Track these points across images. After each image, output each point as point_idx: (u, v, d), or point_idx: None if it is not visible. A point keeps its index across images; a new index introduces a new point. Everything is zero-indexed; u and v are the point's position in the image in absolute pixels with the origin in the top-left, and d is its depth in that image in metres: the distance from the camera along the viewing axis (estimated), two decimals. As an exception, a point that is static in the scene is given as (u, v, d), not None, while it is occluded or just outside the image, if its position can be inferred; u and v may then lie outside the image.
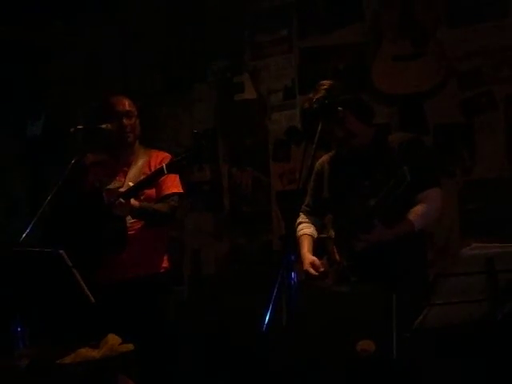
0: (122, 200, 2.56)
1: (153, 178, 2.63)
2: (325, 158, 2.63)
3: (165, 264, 2.88)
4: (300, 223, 2.64)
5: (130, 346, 2.15)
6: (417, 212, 2.33)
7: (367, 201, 2.35)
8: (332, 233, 2.52)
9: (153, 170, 2.76)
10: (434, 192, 2.38)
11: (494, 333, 2.05)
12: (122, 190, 2.65)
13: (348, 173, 2.48)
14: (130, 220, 2.73)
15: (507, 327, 2.01)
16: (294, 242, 2.54)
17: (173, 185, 2.80)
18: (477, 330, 2.05)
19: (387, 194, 2.14)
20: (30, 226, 2.51)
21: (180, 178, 2.85)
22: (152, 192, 2.76)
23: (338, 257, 2.40)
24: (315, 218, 2.67)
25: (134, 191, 2.62)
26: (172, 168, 2.54)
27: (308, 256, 2.48)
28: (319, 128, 2.28)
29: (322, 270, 2.39)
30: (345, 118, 2.39)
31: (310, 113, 2.40)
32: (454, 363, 2.17)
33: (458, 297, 1.88)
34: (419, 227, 2.34)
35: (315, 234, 2.61)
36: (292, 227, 2.61)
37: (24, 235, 2.48)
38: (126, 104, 2.83)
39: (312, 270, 2.41)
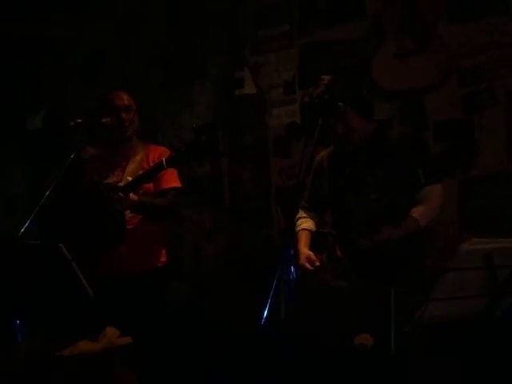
0: (120, 194, 2.56)
1: (152, 173, 2.63)
2: (324, 153, 2.63)
3: (163, 258, 2.88)
4: (299, 218, 2.64)
5: (128, 339, 2.15)
6: (420, 210, 2.34)
7: (368, 197, 2.35)
8: (332, 229, 2.52)
9: (151, 164, 2.76)
10: (435, 188, 2.38)
11: (493, 328, 2.05)
12: (120, 184, 2.65)
13: (348, 168, 2.48)
14: (128, 214, 2.73)
15: (506, 323, 2.01)
16: (293, 237, 2.55)
17: (171, 179, 2.80)
18: (475, 325, 2.05)
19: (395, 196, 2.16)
20: (29, 219, 2.51)
21: (179, 172, 2.85)
22: (150, 186, 2.76)
23: (339, 253, 2.40)
24: (314, 213, 2.67)
25: (133, 186, 2.61)
26: (171, 162, 2.54)
27: (304, 251, 2.48)
28: (319, 123, 2.28)
29: (317, 264, 2.40)
30: (345, 114, 2.39)
31: (310, 108, 2.40)
32: (452, 359, 2.17)
33: (456, 292, 1.87)
34: (423, 225, 2.34)
35: (313, 228, 2.61)
36: (291, 222, 2.61)
37: (23, 229, 2.48)
38: (125, 98, 2.83)
39: (307, 265, 2.41)
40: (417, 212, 2.34)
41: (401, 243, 2.31)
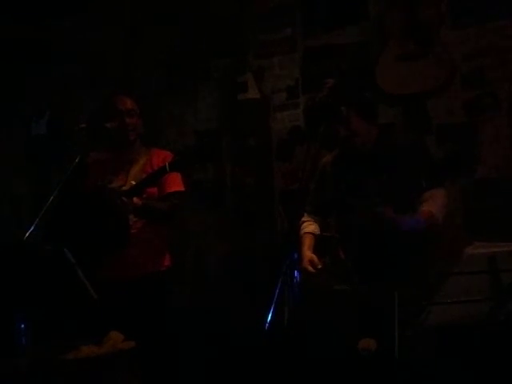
0: (124, 199, 2.57)
1: (155, 177, 2.64)
2: (328, 157, 2.63)
3: (167, 262, 2.88)
4: (303, 222, 2.65)
5: (132, 344, 2.15)
6: (430, 204, 2.31)
7: (371, 201, 2.35)
8: (336, 232, 2.52)
9: (154, 168, 2.76)
10: (438, 192, 2.38)
11: (497, 332, 2.04)
12: (124, 188, 2.66)
13: (352, 173, 2.48)
14: (132, 219, 2.74)
15: (510, 327, 2.00)
16: (296, 241, 2.55)
17: (175, 183, 2.81)
18: (479, 329, 2.04)
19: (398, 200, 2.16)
20: (34, 224, 2.51)
21: (182, 176, 2.85)
22: (154, 190, 2.77)
23: (342, 255, 2.40)
24: (318, 217, 2.67)
25: (137, 190, 2.62)
26: (174, 166, 2.54)
27: (307, 254, 2.49)
28: (322, 128, 2.29)
29: (319, 267, 2.40)
30: (348, 118, 2.40)
31: (314, 111, 2.40)
32: (456, 362, 2.16)
33: (460, 296, 1.87)
34: (438, 219, 2.31)
35: (317, 231, 2.62)
36: (295, 226, 2.61)
37: (27, 233, 2.49)
38: (128, 103, 2.84)
39: (310, 268, 2.42)
40: (427, 206, 2.31)
41: (403, 245, 2.31)
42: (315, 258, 2.44)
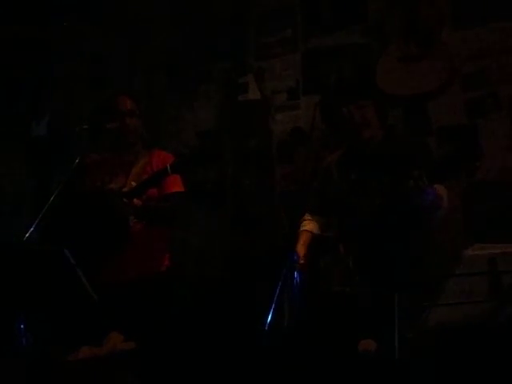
0: (125, 200, 2.57)
1: (157, 178, 2.64)
2: (331, 157, 2.64)
3: (166, 263, 2.89)
4: (303, 220, 2.66)
5: (132, 344, 2.15)
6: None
7: (374, 201, 2.36)
8: (337, 232, 2.53)
9: (155, 169, 2.76)
10: (440, 187, 2.37)
11: (497, 334, 2.04)
12: (124, 189, 2.66)
13: (355, 173, 2.49)
14: (132, 220, 2.73)
15: (510, 328, 2.00)
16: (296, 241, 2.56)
17: (175, 184, 2.81)
18: (479, 331, 2.04)
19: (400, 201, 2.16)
20: (34, 225, 2.51)
21: (182, 177, 2.85)
22: (154, 191, 2.76)
23: (342, 249, 2.41)
24: (320, 217, 2.68)
25: (138, 191, 2.62)
26: (176, 168, 2.54)
27: (299, 250, 2.49)
28: (324, 126, 2.30)
29: (302, 262, 2.41)
30: (364, 106, 2.42)
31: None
32: (456, 364, 2.17)
33: (460, 298, 1.87)
34: (445, 203, 2.32)
35: (316, 230, 2.63)
36: (295, 228, 2.62)
37: (27, 234, 2.49)
38: (128, 103, 2.84)
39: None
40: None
41: (404, 246, 2.32)
42: (302, 253, 2.44)
